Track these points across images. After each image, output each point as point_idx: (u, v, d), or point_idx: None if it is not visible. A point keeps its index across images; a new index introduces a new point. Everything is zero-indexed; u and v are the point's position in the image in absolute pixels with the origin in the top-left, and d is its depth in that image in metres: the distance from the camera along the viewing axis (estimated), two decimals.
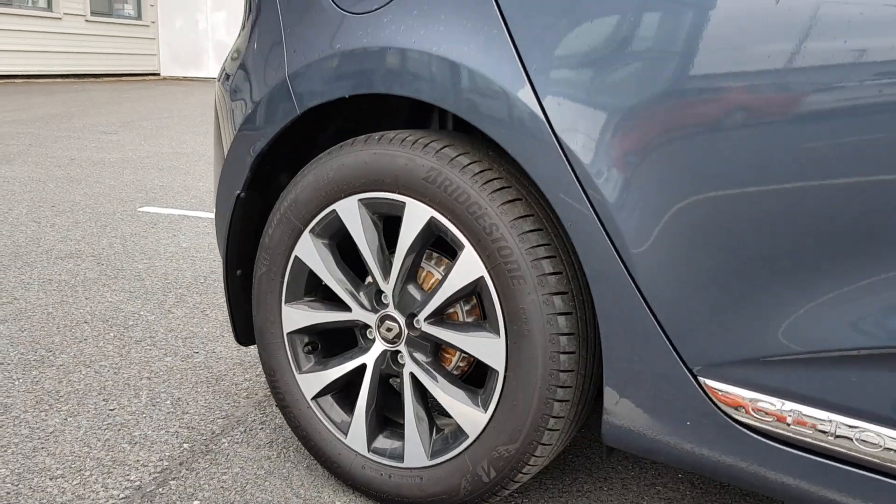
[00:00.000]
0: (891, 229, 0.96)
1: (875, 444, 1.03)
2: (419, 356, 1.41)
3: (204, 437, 1.71)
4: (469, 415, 1.34)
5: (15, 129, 6.97)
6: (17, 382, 1.95)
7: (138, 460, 1.61)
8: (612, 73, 1.10)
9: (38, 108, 9.01)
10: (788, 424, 1.09)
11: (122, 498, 1.47)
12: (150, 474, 1.55)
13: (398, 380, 1.45)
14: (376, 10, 1.32)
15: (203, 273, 2.91)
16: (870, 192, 0.96)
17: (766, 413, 1.10)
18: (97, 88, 13.15)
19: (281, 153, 1.56)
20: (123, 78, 17.01)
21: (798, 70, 0.98)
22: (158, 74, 18.50)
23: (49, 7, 15.10)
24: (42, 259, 3.02)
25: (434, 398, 1.40)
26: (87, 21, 15.90)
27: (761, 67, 0.99)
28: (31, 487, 1.49)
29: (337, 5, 1.37)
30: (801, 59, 0.97)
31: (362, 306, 1.44)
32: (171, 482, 1.53)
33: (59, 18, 15.15)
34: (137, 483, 1.52)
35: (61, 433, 1.71)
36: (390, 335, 1.42)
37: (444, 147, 1.31)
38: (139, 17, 17.89)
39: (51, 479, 1.52)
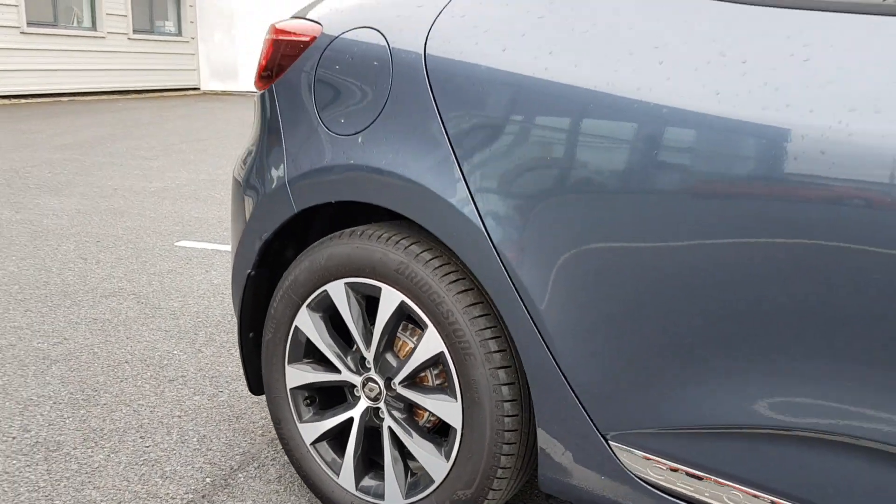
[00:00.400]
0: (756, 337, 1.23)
1: (740, 500, 1.29)
2: (396, 413, 1.70)
3: (223, 472, 2.01)
4: (435, 463, 1.63)
5: (62, 156, 7.40)
6: (67, 421, 2.28)
7: (168, 493, 1.92)
8: (529, 195, 1.38)
9: (84, 131, 9.47)
10: (676, 482, 1.35)
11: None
12: (197, 481, 1.87)
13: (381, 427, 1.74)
14: (355, 133, 1.61)
15: (230, 311, 3.23)
16: (730, 305, 1.23)
17: (660, 472, 1.37)
18: (140, 106, 13.66)
19: (284, 234, 1.86)
20: (165, 93, 17.56)
21: (660, 193, 1.25)
22: (198, 89, 19.04)
23: (93, 27, 15.69)
24: (88, 298, 3.36)
25: (412, 447, 1.69)
26: (129, 39, 16.47)
27: (641, 189, 1.26)
28: None
29: (326, 128, 1.67)
30: (659, 177, 1.24)
31: (349, 369, 1.74)
32: (226, 487, 1.84)
33: (103, 37, 15.74)
34: None
35: (104, 468, 2.03)
36: (372, 394, 1.71)
37: (411, 244, 1.60)
38: (179, 33, 18.45)
39: None
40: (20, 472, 2.00)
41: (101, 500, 1.88)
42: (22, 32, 13.83)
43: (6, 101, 13.57)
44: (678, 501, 1.36)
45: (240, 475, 2.01)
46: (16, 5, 13.68)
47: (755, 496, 1.28)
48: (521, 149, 1.39)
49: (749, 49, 1.21)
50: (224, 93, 18.78)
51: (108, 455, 2.09)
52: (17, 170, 6.57)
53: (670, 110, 1.23)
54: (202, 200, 5.53)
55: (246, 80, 18.84)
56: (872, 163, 1.07)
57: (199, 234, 4.56)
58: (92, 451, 2.11)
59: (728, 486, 1.30)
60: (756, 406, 1.25)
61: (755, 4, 1.25)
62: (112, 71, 15.99)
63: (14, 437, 2.17)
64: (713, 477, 1.32)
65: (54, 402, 2.39)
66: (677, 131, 1.23)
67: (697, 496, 1.34)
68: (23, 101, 13.93)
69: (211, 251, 4.18)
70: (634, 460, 1.39)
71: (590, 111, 1.31)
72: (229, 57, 18.98)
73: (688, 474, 1.34)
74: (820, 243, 1.12)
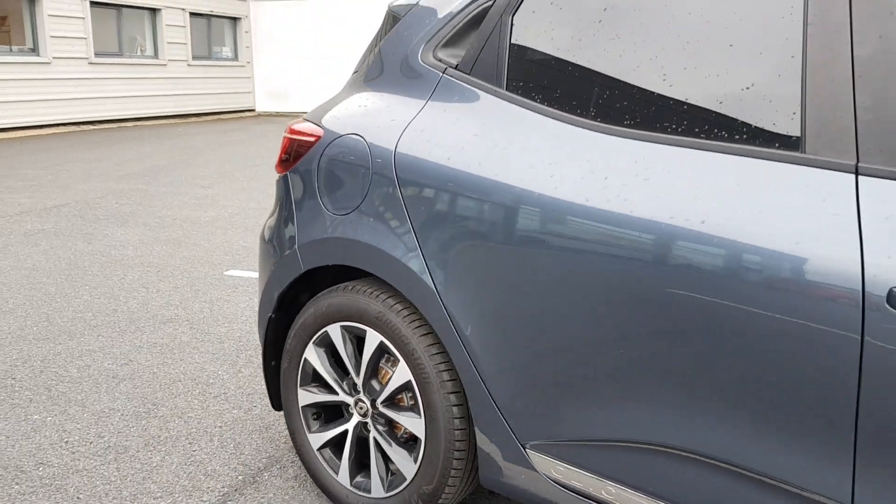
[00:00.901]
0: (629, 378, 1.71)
1: (613, 493, 1.77)
2: (379, 427, 2.20)
3: (252, 472, 2.55)
4: (407, 466, 2.13)
5: (127, 186, 8.11)
6: (132, 429, 2.84)
7: (209, 487, 2.46)
8: (461, 259, 1.87)
9: (146, 159, 10.23)
10: (571, 479, 1.83)
11: (215, 500, 2.32)
12: (216, 497, 2.40)
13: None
14: (346, 213, 2.14)
15: None
16: (604, 342, 1.71)
17: (561, 472, 1.85)
18: (198, 131, 14.46)
19: (297, 286, 2.38)
20: (222, 115, 18.43)
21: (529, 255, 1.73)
22: (253, 110, 19.90)
23: (155, 55, 16.62)
24: (150, 324, 3.95)
25: (390, 453, 2.19)
26: (189, 65, 17.37)
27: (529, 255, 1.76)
28: None
29: (325, 208, 2.19)
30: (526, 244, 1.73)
31: (345, 392, 2.25)
32: (229, 502, 2.37)
33: (165, 65, 16.65)
34: (207, 502, 2.37)
35: (161, 467, 2.57)
36: (362, 412, 2.22)
37: (387, 297, 2.11)
38: (236, 58, 19.33)
39: (153, 499, 2.39)
40: (96, 470, 2.56)
41: (158, 492, 2.42)
42: (90, 63, 14.78)
43: (76, 128, 14.51)
44: (572, 493, 1.84)
45: (265, 474, 2.54)
46: (85, 38, 14.64)
47: (624, 491, 1.76)
48: (458, 226, 1.89)
49: (610, 168, 1.70)
50: (277, 114, 19.61)
51: (164, 457, 2.64)
52: (88, 201, 7.28)
53: (551, 200, 1.73)
54: (250, 230, 6.13)
55: (297, 100, 19.63)
56: (658, 243, 1.56)
57: (245, 263, 5.14)
58: (151, 454, 2.66)
59: (605, 482, 1.78)
60: (624, 426, 1.73)
61: (624, 138, 1.73)
62: (172, 96, 16.89)
63: (91, 442, 2.73)
64: (596, 476, 1.80)
65: (122, 415, 2.95)
66: (554, 218, 1.72)
67: (585, 489, 1.82)
68: (91, 126, 14.87)
69: (255, 280, 4.74)
70: (542, 463, 1.88)
71: (510, 205, 1.80)
72: (282, 79, 19.80)
73: (579, 473, 1.82)
74: (656, 299, 1.60)
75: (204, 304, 4.27)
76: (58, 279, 4.74)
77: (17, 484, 2.47)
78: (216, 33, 18.76)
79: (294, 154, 2.33)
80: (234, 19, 19.30)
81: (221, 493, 2.42)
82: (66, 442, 2.74)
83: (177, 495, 2.41)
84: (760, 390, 1.51)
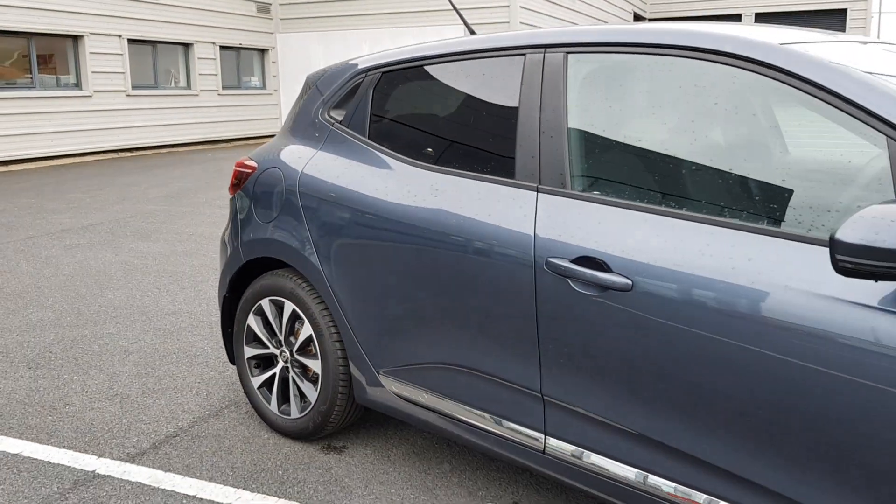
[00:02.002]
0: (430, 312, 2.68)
1: (427, 398, 2.73)
2: (295, 369, 3.19)
3: (217, 409, 3.54)
4: (312, 394, 3.11)
5: (155, 207, 9.24)
6: (134, 384, 3.85)
7: (184, 417, 3.45)
8: (336, 248, 2.86)
9: (174, 183, 11.38)
10: (421, 399, 2.80)
11: (176, 429, 3.31)
12: (187, 423, 3.40)
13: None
14: (268, 222, 3.14)
15: None
16: (419, 294, 2.68)
17: (400, 387, 2.81)
18: (226, 156, 15.66)
19: (242, 273, 3.39)
20: (250, 141, 19.67)
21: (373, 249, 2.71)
22: None
23: (188, 86, 17.92)
24: (158, 315, 4.99)
25: (301, 387, 3.17)
26: (219, 95, 18.65)
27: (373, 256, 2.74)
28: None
29: (257, 218, 3.19)
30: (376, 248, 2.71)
31: (273, 346, 3.24)
32: (196, 425, 3.36)
33: (196, 95, 17.94)
34: (183, 422, 3.37)
35: (151, 407, 3.58)
36: (284, 360, 3.21)
37: (297, 279, 3.10)
38: (264, 87, 20.60)
39: (144, 425, 3.39)
40: (105, 409, 3.57)
41: (147, 420, 3.43)
42: (128, 95, 16.09)
43: (115, 156, 15.81)
44: (404, 401, 2.81)
45: (225, 411, 3.53)
46: (123, 72, 15.96)
47: (432, 394, 2.72)
48: (333, 227, 2.87)
49: (415, 187, 2.68)
50: None
51: (155, 401, 3.65)
52: (119, 220, 8.40)
53: (384, 206, 2.71)
54: None
55: None
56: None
57: None
58: (146, 399, 3.67)
59: (420, 390, 2.74)
60: (430, 354, 2.69)
61: (425, 170, 2.71)
62: (204, 124, 18.16)
63: (104, 392, 3.75)
64: (416, 387, 2.76)
65: (128, 375, 3.97)
66: (384, 217, 2.70)
67: (411, 396, 2.78)
68: (128, 154, 16.16)
69: None
70: (388, 382, 2.85)
71: (362, 210, 2.79)
72: None
73: (407, 386, 2.79)
74: (448, 272, 2.58)
75: (203, 301, 5.29)
76: (88, 283, 5.82)
77: (49, 416, 3.50)
78: (245, 64, 20.05)
79: (240, 180, 3.34)
80: (262, 51, 20.58)
81: (192, 421, 3.42)
82: (86, 392, 3.77)
83: (160, 422, 3.42)
84: (490, 323, 2.48)
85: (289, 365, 3.21)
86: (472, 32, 3.14)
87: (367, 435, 3.30)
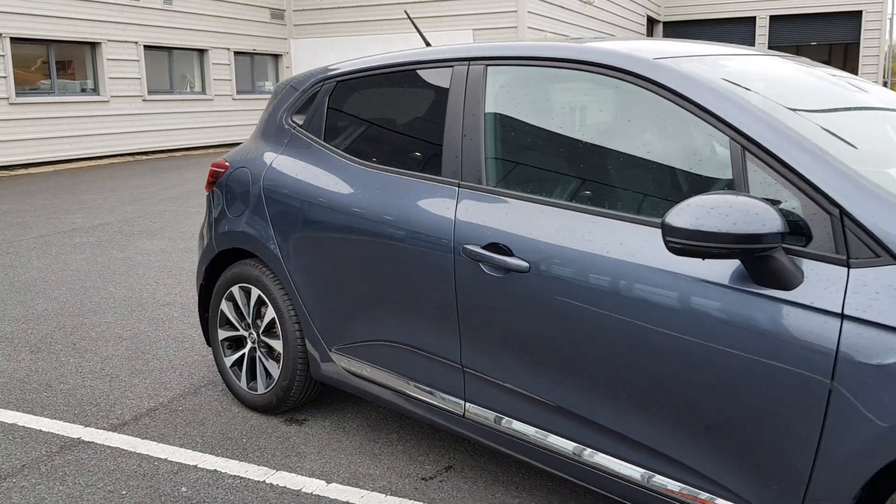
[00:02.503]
0: (379, 295, 3.01)
1: (369, 371, 3.07)
2: (262, 350, 3.53)
3: (196, 387, 3.89)
4: (276, 371, 3.45)
5: (163, 208, 9.65)
6: (124, 366, 4.21)
7: (165, 393, 3.80)
8: (294, 240, 3.20)
9: (184, 185, 11.80)
10: (366, 373, 3.13)
11: (157, 404, 3.67)
12: (167, 399, 3.75)
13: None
14: (238, 216, 3.49)
15: None
16: (364, 280, 3.02)
17: (348, 363, 3.15)
18: None
19: (216, 262, 3.74)
20: None
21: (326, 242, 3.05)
22: None
23: (203, 91, 18.39)
24: (153, 306, 5.36)
25: (266, 365, 3.51)
26: (233, 100, 19.11)
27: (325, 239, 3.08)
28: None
29: (228, 213, 3.54)
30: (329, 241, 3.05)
31: (243, 329, 3.59)
32: (175, 401, 3.72)
33: (211, 100, 18.40)
34: (164, 398, 3.72)
35: (138, 385, 3.94)
36: (252, 341, 3.56)
37: (262, 267, 3.44)
38: None
39: (129, 400, 3.75)
40: (96, 386, 3.93)
41: (133, 397, 3.78)
42: (144, 100, 16.57)
43: (131, 159, 16.29)
44: (351, 374, 3.14)
45: (203, 389, 3.88)
46: (139, 78, 16.45)
47: (374, 367, 3.05)
48: (291, 219, 3.22)
49: (362, 185, 3.01)
50: None
51: (141, 380, 4.01)
52: (128, 220, 8.81)
53: (338, 200, 3.05)
54: None
55: None
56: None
57: None
58: (133, 379, 4.03)
59: (364, 364, 3.08)
60: (371, 333, 3.03)
61: (372, 170, 3.05)
62: (218, 128, 18.63)
63: (96, 372, 4.12)
64: (361, 361, 3.09)
65: (120, 358, 4.34)
66: (334, 211, 3.04)
67: (356, 371, 3.12)
68: (144, 157, 16.64)
69: None
70: (338, 358, 3.19)
71: (317, 203, 3.13)
72: None
73: (353, 361, 3.12)
74: (387, 261, 2.92)
75: (195, 294, 5.65)
76: (92, 277, 6.21)
77: (44, 392, 3.87)
78: (259, 69, 20.51)
79: (215, 179, 3.70)
80: (276, 56, 21.04)
81: (171, 397, 3.78)
82: (80, 372, 4.14)
83: (143, 398, 3.78)
84: (420, 303, 2.81)
85: (256, 345, 3.55)
86: (428, 44, 3.47)
87: (328, 410, 3.63)
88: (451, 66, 2.90)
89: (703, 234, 1.92)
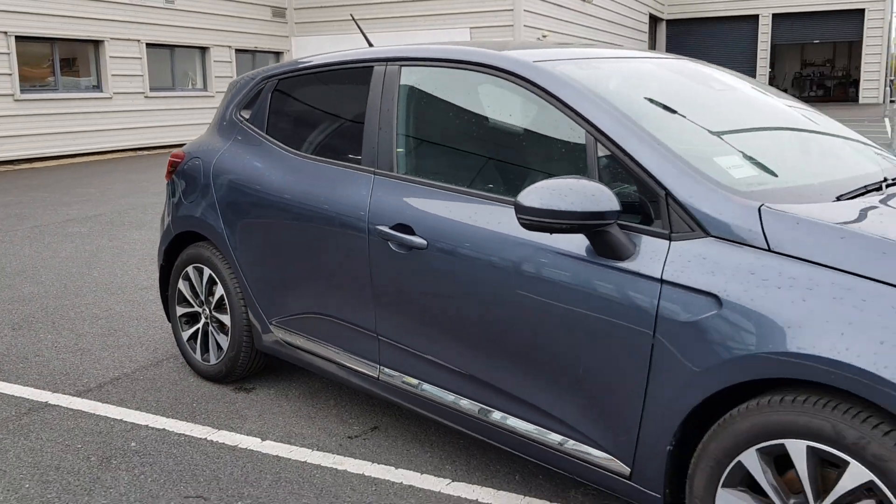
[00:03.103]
0: (313, 271, 3.36)
1: (303, 341, 3.41)
2: (214, 325, 3.88)
3: (158, 360, 4.24)
4: (225, 344, 3.80)
5: (156, 200, 10.03)
6: (97, 342, 4.57)
7: (130, 366, 4.16)
8: (239, 221, 3.55)
9: None
10: (299, 342, 3.48)
11: (120, 374, 4.02)
12: (132, 370, 4.10)
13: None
14: (191, 202, 3.83)
15: None
16: (300, 257, 3.36)
17: (285, 334, 3.49)
18: None
19: (174, 245, 4.09)
20: None
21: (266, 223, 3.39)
22: None
23: (205, 88, 18.78)
24: (132, 290, 5.72)
25: (217, 338, 3.85)
26: None
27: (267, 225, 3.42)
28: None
29: (183, 199, 3.89)
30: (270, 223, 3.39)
31: (197, 305, 3.94)
32: (138, 372, 4.07)
33: (212, 96, 18.79)
34: (129, 368, 4.07)
35: (106, 358, 4.29)
36: (205, 316, 3.91)
37: (212, 248, 3.79)
38: None
39: (97, 371, 4.11)
40: (68, 360, 4.29)
41: (101, 368, 4.14)
42: (146, 97, 16.98)
43: (133, 154, 16.70)
44: (289, 345, 3.49)
45: (164, 361, 4.24)
46: (141, 75, 16.85)
47: (307, 338, 3.39)
48: (236, 204, 3.56)
49: (299, 173, 3.35)
50: None
51: (110, 353, 4.36)
52: (121, 212, 9.19)
53: (277, 185, 3.39)
54: None
55: None
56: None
57: None
58: (103, 353, 4.38)
59: (298, 334, 3.42)
60: (304, 306, 3.37)
61: (307, 160, 3.39)
62: None
63: (69, 347, 4.48)
64: (296, 332, 3.43)
65: (93, 335, 4.70)
66: (271, 196, 3.38)
67: (292, 341, 3.46)
68: (146, 152, 17.05)
69: None
70: (277, 330, 3.53)
71: (257, 189, 3.48)
72: None
73: (290, 333, 3.46)
74: (314, 240, 3.26)
75: None
76: (79, 264, 6.58)
77: (20, 364, 4.23)
78: (260, 66, 20.85)
79: (174, 168, 4.05)
80: (277, 54, 21.41)
81: (135, 368, 4.13)
82: (55, 347, 4.50)
83: (109, 369, 4.13)
84: (342, 278, 3.14)
85: (208, 320, 3.90)
86: (370, 44, 3.81)
87: (275, 380, 3.98)
88: (373, 67, 3.23)
89: (548, 212, 2.25)
